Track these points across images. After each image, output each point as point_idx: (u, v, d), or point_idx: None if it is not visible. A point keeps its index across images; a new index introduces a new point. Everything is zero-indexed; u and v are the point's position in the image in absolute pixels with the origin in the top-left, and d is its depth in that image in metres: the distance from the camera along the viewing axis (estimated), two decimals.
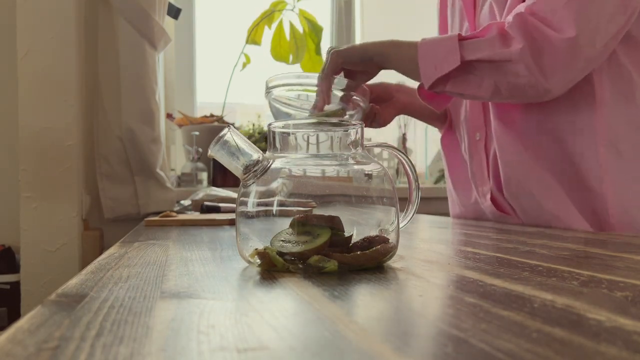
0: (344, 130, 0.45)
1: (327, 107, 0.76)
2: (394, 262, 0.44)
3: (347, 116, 0.78)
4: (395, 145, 1.39)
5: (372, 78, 0.82)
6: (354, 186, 0.44)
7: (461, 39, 0.75)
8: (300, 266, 0.39)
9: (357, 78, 0.81)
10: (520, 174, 0.86)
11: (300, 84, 0.77)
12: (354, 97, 0.78)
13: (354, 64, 0.79)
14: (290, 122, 0.60)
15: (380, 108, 0.89)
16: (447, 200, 1.12)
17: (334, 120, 0.70)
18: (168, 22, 1.58)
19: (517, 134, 0.86)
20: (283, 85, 0.76)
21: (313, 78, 0.76)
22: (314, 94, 0.77)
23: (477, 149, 0.96)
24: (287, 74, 0.77)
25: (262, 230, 0.42)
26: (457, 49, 0.74)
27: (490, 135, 0.92)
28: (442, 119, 1.08)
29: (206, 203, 1.19)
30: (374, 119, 0.87)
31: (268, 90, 0.76)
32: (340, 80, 0.77)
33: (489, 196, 0.93)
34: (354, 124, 0.45)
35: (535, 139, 0.84)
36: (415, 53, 0.77)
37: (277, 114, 0.79)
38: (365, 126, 0.82)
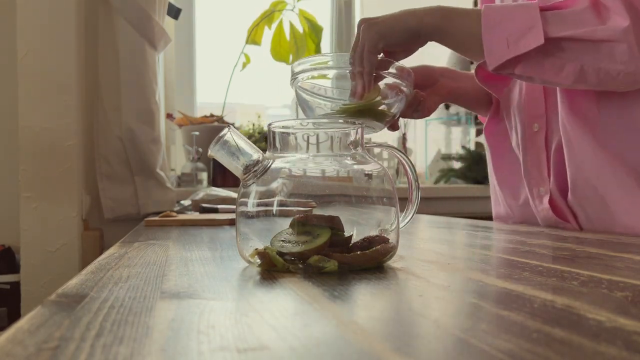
0: (344, 131, 0.45)
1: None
2: (394, 262, 0.44)
3: (386, 105, 0.66)
4: (395, 145, 1.39)
5: (410, 55, 0.69)
6: (354, 186, 0.44)
7: (541, 9, 0.61)
8: (300, 266, 0.39)
9: (398, 53, 0.68)
10: (592, 177, 0.72)
11: (332, 68, 0.65)
12: (396, 80, 0.65)
13: (396, 44, 0.65)
14: (323, 117, 0.56)
15: (426, 94, 0.77)
16: (447, 200, 1.09)
17: (375, 110, 0.64)
18: (168, 22, 1.58)
19: (592, 128, 0.72)
20: (311, 70, 0.63)
21: (347, 60, 0.64)
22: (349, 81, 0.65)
23: (534, 142, 0.81)
24: (316, 57, 0.65)
25: (262, 230, 0.42)
26: (539, 23, 0.60)
27: (552, 126, 0.79)
28: (488, 104, 0.93)
29: (203, 205, 1.19)
30: (417, 108, 0.74)
31: (294, 76, 0.65)
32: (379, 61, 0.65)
33: (547, 199, 0.80)
34: (354, 125, 0.45)
35: (615, 135, 0.70)
36: (477, 25, 0.63)
37: (305, 106, 0.67)
38: (406, 117, 0.76)
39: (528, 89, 0.81)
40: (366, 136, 0.47)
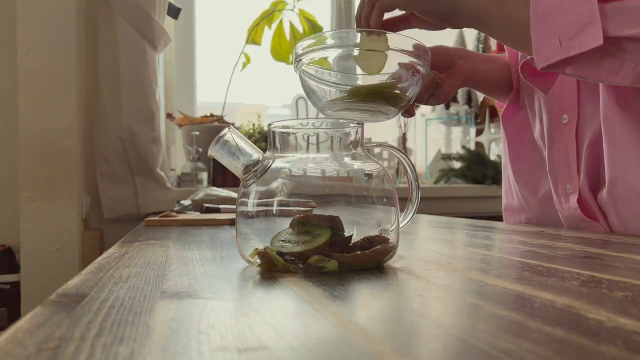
0: (344, 130, 0.45)
1: (373, 78, 0.59)
2: (394, 262, 0.44)
3: (400, 88, 0.60)
4: (395, 145, 1.39)
5: (435, 30, 0.64)
6: (354, 186, 0.44)
7: (601, 0, 0.53)
8: (300, 266, 0.39)
9: (423, 23, 0.63)
10: (636, 177, 0.67)
11: (341, 46, 0.56)
12: (412, 59, 0.58)
13: (433, 19, 0.60)
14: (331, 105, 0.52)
15: (445, 76, 0.71)
16: (447, 200, 1.06)
17: (389, 92, 0.58)
18: (168, 22, 1.58)
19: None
20: (316, 49, 0.56)
21: (357, 36, 0.56)
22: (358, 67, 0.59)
23: (563, 134, 0.75)
24: (322, 35, 0.56)
25: (262, 230, 0.42)
26: (597, 18, 0.52)
27: (586, 119, 0.73)
28: (508, 90, 0.86)
29: (206, 205, 1.19)
30: (434, 92, 0.68)
31: (297, 58, 0.58)
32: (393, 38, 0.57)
33: (574, 197, 0.74)
34: (354, 124, 0.45)
35: None
36: (525, 15, 0.56)
37: (310, 92, 0.61)
38: (422, 102, 0.69)
39: (559, 76, 0.73)
40: (367, 136, 0.47)
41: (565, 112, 0.74)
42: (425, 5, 0.59)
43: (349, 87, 0.60)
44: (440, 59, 0.73)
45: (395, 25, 0.67)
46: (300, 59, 0.58)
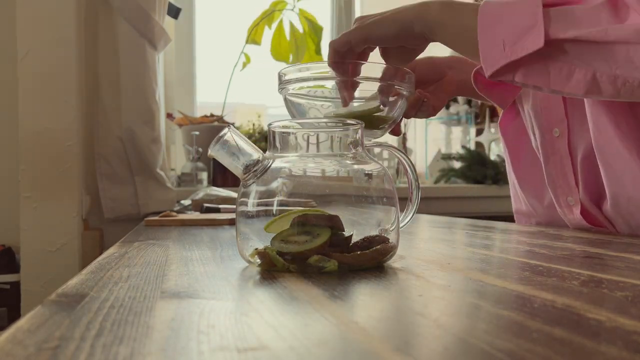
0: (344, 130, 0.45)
1: (358, 105, 0.61)
2: (394, 262, 0.44)
3: (384, 111, 0.61)
4: (395, 145, 1.39)
5: (417, 55, 0.62)
6: (354, 186, 0.44)
7: (546, 4, 0.52)
8: (301, 266, 0.39)
9: (394, 56, 0.61)
10: (633, 189, 0.65)
11: (320, 78, 0.59)
12: (395, 85, 0.59)
13: (385, 38, 0.58)
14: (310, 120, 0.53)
15: (430, 92, 0.70)
16: (447, 200, 1.05)
17: (371, 117, 0.58)
18: (168, 22, 1.58)
19: (631, 143, 0.63)
20: (298, 80, 0.58)
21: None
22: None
23: (557, 148, 0.73)
24: (305, 66, 0.60)
25: (262, 230, 0.42)
26: (540, 21, 0.51)
27: (576, 131, 0.71)
28: None
29: (206, 205, 1.19)
30: (420, 108, 0.68)
31: (282, 85, 0.60)
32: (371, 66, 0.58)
33: (577, 209, 0.72)
34: (354, 124, 0.45)
35: None
36: (473, 22, 0.55)
37: (297, 113, 0.63)
38: (410, 117, 0.70)
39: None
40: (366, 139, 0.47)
41: (555, 126, 0.72)
42: (374, 32, 0.58)
43: (332, 113, 0.60)
44: (428, 71, 0.72)
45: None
46: (285, 87, 0.59)
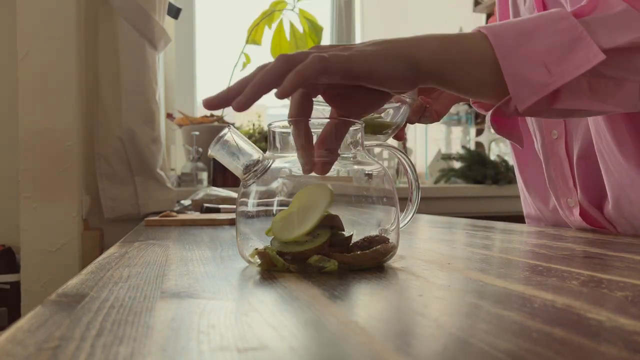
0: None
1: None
2: (394, 262, 0.44)
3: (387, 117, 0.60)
4: (396, 145, 1.39)
5: (380, 106, 0.48)
6: (354, 186, 0.44)
7: (575, 14, 0.46)
8: (301, 266, 0.39)
9: (357, 106, 0.45)
10: (633, 191, 0.64)
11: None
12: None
13: (381, 81, 0.43)
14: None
15: (433, 99, 0.69)
16: (447, 200, 1.05)
17: (374, 124, 0.58)
18: (168, 22, 1.58)
19: (627, 148, 0.62)
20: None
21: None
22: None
23: (556, 150, 0.73)
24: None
25: (262, 230, 0.42)
26: (584, 32, 0.44)
27: (572, 133, 0.71)
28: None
29: (206, 205, 1.19)
30: (424, 114, 0.66)
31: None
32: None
33: (577, 211, 0.73)
34: (355, 124, 0.45)
35: None
36: (488, 50, 0.45)
37: None
38: (413, 122, 0.69)
39: None
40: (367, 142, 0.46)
41: (554, 128, 0.73)
42: (369, 66, 0.42)
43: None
44: None
45: (330, 140, 0.44)
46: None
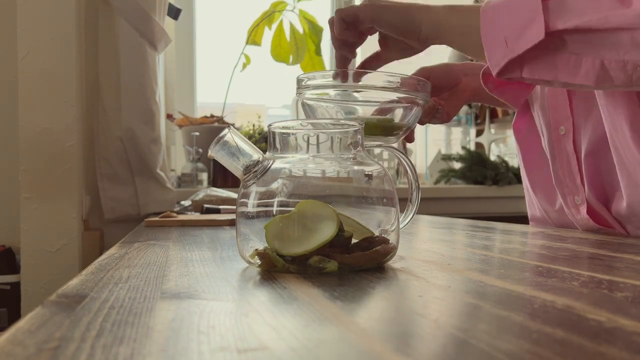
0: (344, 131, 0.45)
1: (372, 109, 0.61)
2: (394, 263, 0.44)
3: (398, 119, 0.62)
4: (396, 145, 1.39)
5: (407, 55, 0.64)
6: (354, 187, 0.44)
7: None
8: (301, 267, 0.39)
9: (393, 48, 0.63)
10: None
11: (338, 87, 0.60)
12: (411, 95, 0.60)
13: (393, 31, 0.59)
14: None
15: (444, 99, 0.71)
16: (447, 200, 1.05)
17: (385, 126, 0.60)
18: (168, 23, 1.58)
19: None
20: (317, 87, 0.60)
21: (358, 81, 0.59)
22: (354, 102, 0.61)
23: (563, 146, 0.73)
24: (324, 74, 0.62)
25: (262, 230, 0.42)
26: (540, 14, 0.51)
27: (580, 129, 0.70)
28: None
29: (206, 205, 1.19)
30: (435, 115, 0.70)
31: (299, 91, 0.61)
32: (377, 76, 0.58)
33: (584, 209, 0.72)
34: (354, 125, 0.45)
35: None
36: (477, 23, 0.56)
37: (313, 117, 0.64)
38: (424, 123, 0.72)
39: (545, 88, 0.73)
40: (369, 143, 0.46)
41: (561, 124, 0.72)
42: (384, 15, 0.59)
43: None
44: (444, 78, 0.73)
45: (370, 64, 0.66)
46: (302, 92, 0.60)
